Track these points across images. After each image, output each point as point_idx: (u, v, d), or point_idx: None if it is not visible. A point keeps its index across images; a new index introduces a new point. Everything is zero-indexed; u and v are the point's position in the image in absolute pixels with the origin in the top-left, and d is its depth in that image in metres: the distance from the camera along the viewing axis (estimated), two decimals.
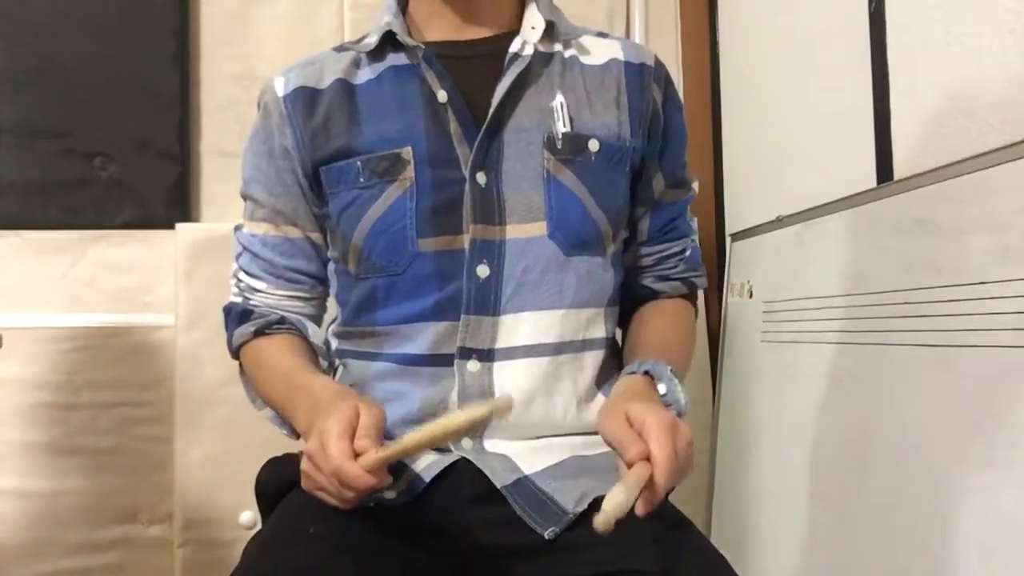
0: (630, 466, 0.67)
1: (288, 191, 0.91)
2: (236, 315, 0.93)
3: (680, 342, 0.94)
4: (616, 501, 0.62)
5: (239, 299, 0.95)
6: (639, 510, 0.65)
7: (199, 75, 1.57)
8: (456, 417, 0.70)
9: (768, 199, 1.44)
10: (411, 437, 0.71)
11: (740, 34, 1.60)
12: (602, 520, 0.61)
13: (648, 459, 0.67)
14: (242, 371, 0.95)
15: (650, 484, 0.66)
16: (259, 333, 0.91)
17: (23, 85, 1.49)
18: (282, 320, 0.92)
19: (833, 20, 1.25)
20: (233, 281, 0.96)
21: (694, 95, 1.66)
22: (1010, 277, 0.84)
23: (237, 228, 0.96)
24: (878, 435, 1.04)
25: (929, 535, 0.93)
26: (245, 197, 0.95)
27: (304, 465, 0.74)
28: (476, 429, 0.71)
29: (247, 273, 0.94)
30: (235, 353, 0.94)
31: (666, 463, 0.66)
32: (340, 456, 0.69)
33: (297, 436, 0.89)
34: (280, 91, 0.90)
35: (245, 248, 0.94)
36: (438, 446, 0.75)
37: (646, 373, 0.82)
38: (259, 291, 0.94)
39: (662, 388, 0.80)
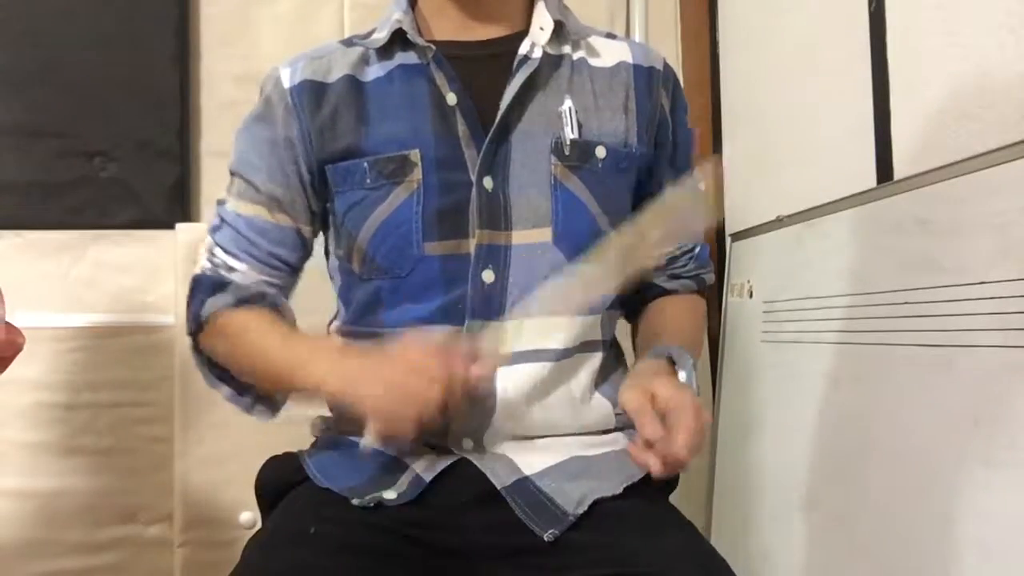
0: (646, 443, 0.73)
1: (288, 181, 0.89)
2: (208, 286, 0.89)
3: (695, 333, 0.96)
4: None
5: (211, 272, 0.91)
6: (655, 469, 0.72)
7: (199, 75, 1.57)
8: None
9: (768, 199, 1.44)
10: None
11: (740, 34, 1.60)
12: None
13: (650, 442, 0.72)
14: (197, 347, 0.91)
15: (674, 457, 0.72)
16: (241, 303, 0.87)
17: (23, 85, 1.49)
18: (263, 296, 0.89)
19: (833, 20, 1.25)
20: (205, 254, 0.92)
21: (694, 95, 1.66)
22: (1010, 277, 0.84)
23: (220, 202, 0.93)
24: (878, 435, 1.03)
25: (929, 535, 0.93)
26: (234, 174, 0.92)
27: (402, 376, 0.73)
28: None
29: (225, 251, 0.90)
30: (199, 324, 0.89)
31: (690, 440, 0.71)
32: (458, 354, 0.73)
33: (265, 406, 0.91)
34: (286, 82, 0.89)
35: (226, 223, 0.91)
36: None
37: (669, 358, 0.83)
38: (236, 271, 0.90)
39: (682, 376, 0.81)
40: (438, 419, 0.73)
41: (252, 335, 0.86)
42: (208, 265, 0.91)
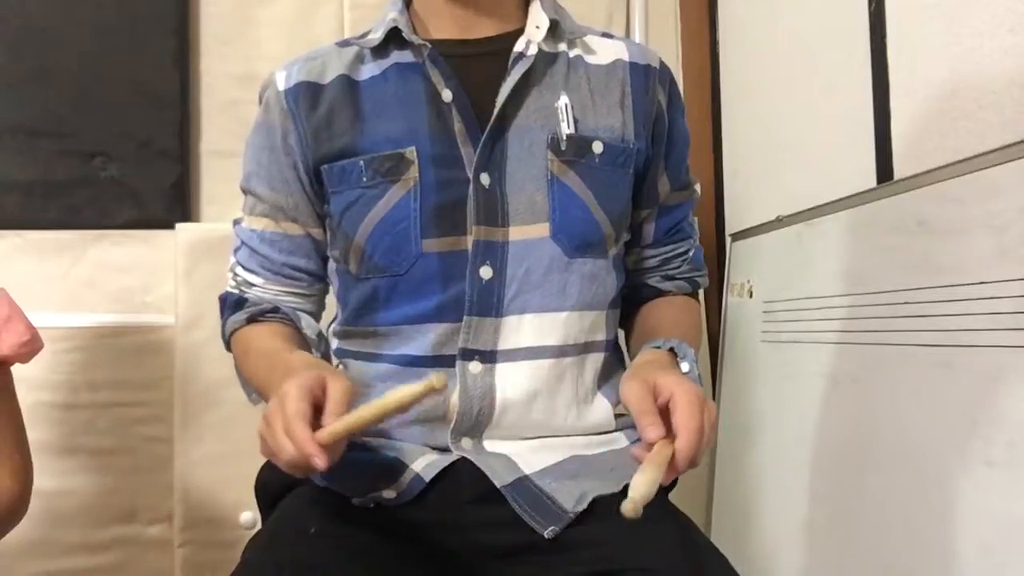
0: (649, 445, 0.67)
1: (289, 187, 0.90)
2: (231, 304, 0.93)
3: (691, 330, 0.96)
4: (644, 487, 0.62)
5: (235, 291, 0.95)
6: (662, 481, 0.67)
7: (199, 75, 1.57)
8: (397, 393, 0.69)
9: (768, 199, 1.44)
10: (357, 414, 0.68)
11: (740, 34, 1.60)
12: (631, 507, 0.60)
13: (667, 436, 0.68)
14: (236, 364, 0.94)
15: (672, 461, 0.66)
16: (251, 320, 0.91)
17: (23, 85, 1.49)
18: (275, 309, 0.91)
19: (833, 20, 1.25)
20: (230, 275, 0.95)
21: (694, 95, 1.66)
22: (1010, 277, 0.84)
23: (236, 222, 0.96)
24: (878, 434, 1.03)
25: (928, 534, 0.93)
26: (245, 191, 0.94)
27: (260, 427, 0.70)
28: (413, 405, 0.70)
29: (244, 268, 0.94)
30: (228, 342, 0.94)
31: (692, 442, 0.67)
32: (294, 416, 0.66)
33: None
34: (281, 85, 0.90)
35: (243, 243, 0.94)
36: (383, 419, 0.72)
37: (671, 350, 0.83)
38: (255, 286, 0.93)
39: (685, 367, 0.81)
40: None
41: (252, 354, 0.89)
42: (232, 283, 0.95)
